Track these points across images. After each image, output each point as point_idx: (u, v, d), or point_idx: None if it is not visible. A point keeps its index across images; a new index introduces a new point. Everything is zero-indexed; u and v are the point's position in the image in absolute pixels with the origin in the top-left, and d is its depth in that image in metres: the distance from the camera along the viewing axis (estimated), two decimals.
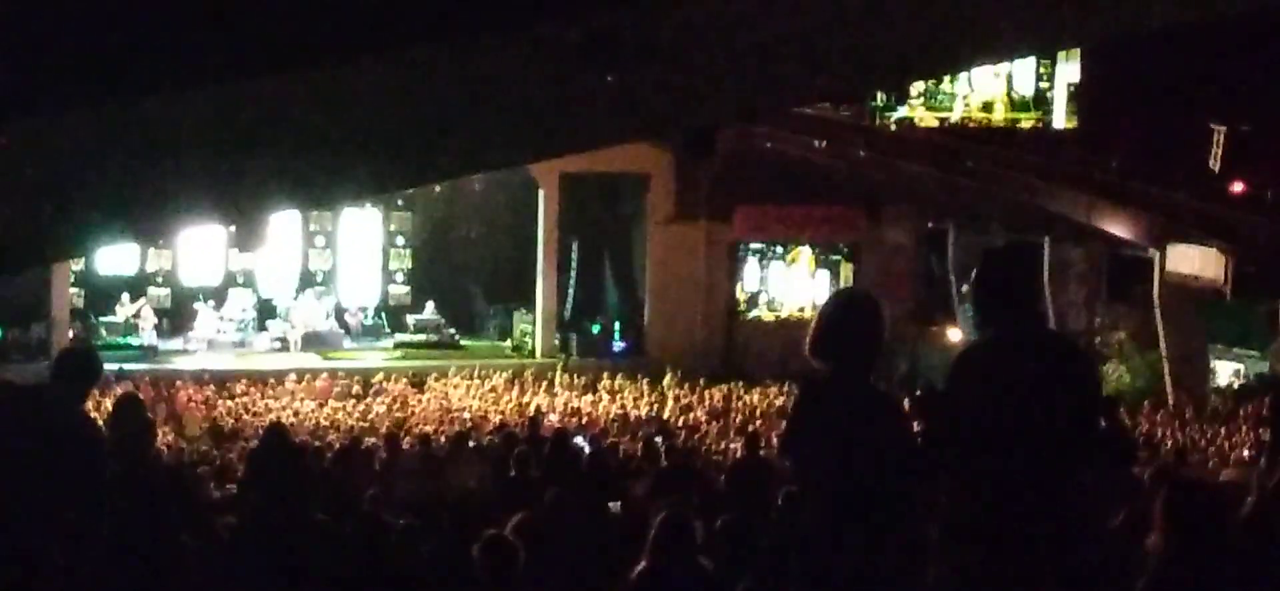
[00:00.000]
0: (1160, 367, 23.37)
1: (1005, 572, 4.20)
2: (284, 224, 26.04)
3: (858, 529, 4.29)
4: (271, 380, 21.33)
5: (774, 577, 5.78)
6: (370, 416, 17.96)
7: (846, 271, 27.52)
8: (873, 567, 4.30)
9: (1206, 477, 9.64)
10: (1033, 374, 4.21)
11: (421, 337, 25.76)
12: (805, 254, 27.70)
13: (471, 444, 12.81)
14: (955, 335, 24.59)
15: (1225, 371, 25.41)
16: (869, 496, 4.27)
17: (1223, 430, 17.24)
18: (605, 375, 22.72)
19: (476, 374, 22.20)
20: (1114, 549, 5.37)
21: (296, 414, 18.02)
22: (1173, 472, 9.01)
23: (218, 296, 25.61)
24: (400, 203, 27.34)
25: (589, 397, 20.57)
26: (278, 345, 24.83)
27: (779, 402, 19.39)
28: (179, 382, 20.76)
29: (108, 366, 20.26)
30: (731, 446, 14.32)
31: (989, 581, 4.23)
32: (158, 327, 24.68)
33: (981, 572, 4.23)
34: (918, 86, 25.57)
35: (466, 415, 17.67)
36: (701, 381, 22.02)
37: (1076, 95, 26.31)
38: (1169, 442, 14.78)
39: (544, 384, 21.97)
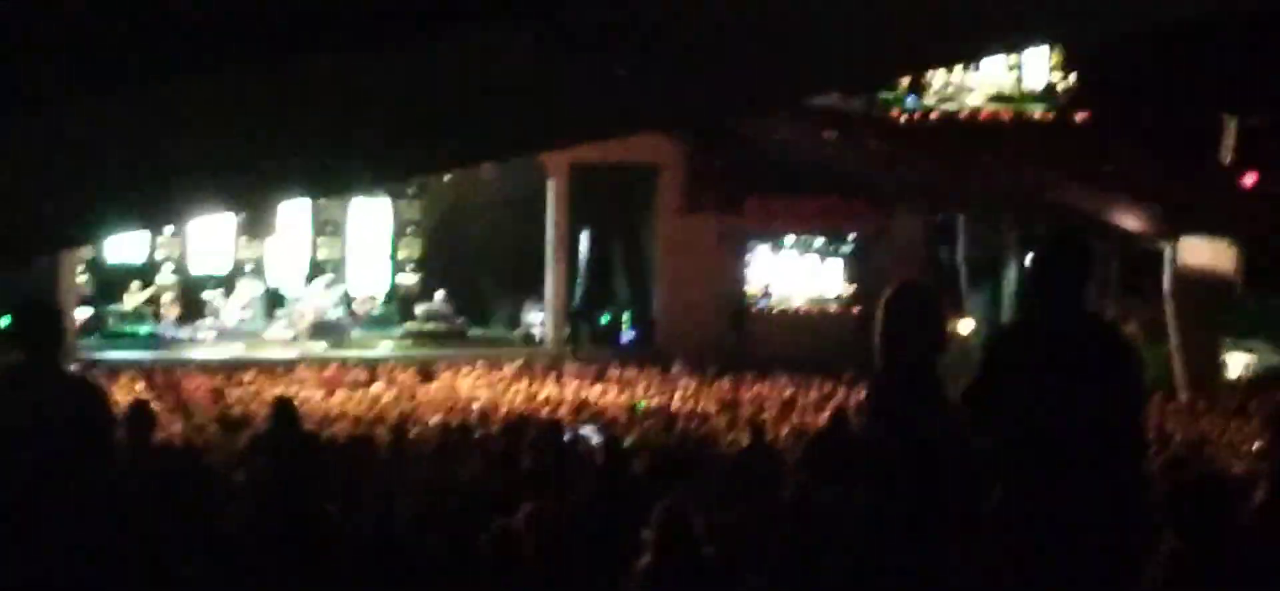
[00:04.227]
0: (1171, 360, 23.28)
1: (1049, 557, 4.20)
2: (293, 213, 26.06)
3: (926, 523, 4.29)
4: (280, 369, 21.32)
5: (786, 570, 5.75)
6: (378, 406, 17.93)
7: (857, 263, 27.46)
8: (928, 560, 4.30)
9: (1217, 470, 9.60)
10: (1079, 356, 4.22)
11: (430, 327, 25.76)
12: (816, 245, 27.65)
13: (479, 434, 12.79)
14: (966, 326, 24.53)
15: (1237, 364, 25.28)
16: (939, 491, 4.28)
17: (1233, 423, 17.16)
18: (614, 365, 22.69)
19: (485, 364, 22.20)
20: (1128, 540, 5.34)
21: (304, 402, 17.97)
22: (1183, 466, 8.99)
23: (227, 285, 25.62)
24: (410, 192, 27.30)
25: (598, 388, 20.53)
26: (286, 334, 24.84)
27: (788, 393, 19.30)
28: (187, 371, 20.76)
29: (115, 355, 20.33)
30: (742, 437, 14.26)
31: (1033, 567, 4.23)
32: (178, 317, 24.70)
33: (1026, 557, 4.23)
34: (929, 78, 25.44)
35: (475, 405, 17.64)
36: (711, 372, 21.96)
37: (1087, 87, 26.16)
38: (1179, 436, 14.68)
39: (553, 374, 21.94)
